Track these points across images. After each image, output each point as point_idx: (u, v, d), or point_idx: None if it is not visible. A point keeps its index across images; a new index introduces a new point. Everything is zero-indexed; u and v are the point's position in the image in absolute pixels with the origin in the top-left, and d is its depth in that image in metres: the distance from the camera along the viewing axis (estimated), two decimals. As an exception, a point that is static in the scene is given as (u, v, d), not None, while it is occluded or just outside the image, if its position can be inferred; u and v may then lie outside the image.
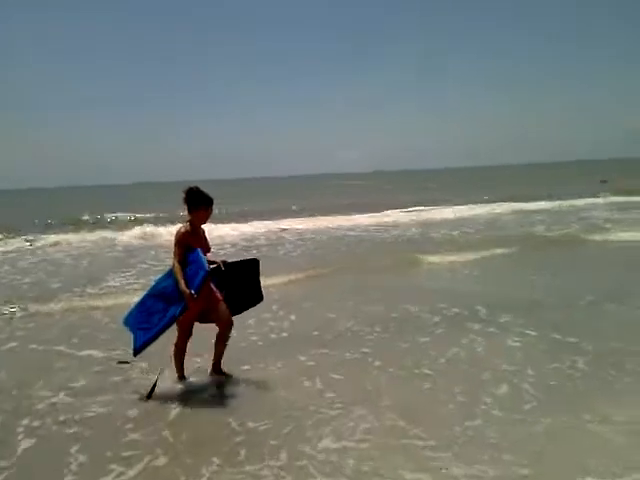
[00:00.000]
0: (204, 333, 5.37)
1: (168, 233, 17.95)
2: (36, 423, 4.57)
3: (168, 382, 5.27)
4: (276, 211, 25.93)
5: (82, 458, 3.97)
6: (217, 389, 5.20)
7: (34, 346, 6.70)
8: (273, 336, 6.82)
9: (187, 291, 4.77)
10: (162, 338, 4.99)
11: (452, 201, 26.75)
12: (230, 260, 5.48)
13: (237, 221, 20.05)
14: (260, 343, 6.51)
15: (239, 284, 5.48)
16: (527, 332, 6.51)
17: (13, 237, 18.07)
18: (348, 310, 7.88)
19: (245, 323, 6.77)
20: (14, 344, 6.82)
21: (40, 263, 13.30)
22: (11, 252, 15.15)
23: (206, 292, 5.05)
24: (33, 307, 8.52)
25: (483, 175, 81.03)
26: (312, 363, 5.86)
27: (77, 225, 22.84)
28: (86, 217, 26.29)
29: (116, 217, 26.84)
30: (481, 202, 25.99)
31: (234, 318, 5.30)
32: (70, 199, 60.77)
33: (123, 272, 11.33)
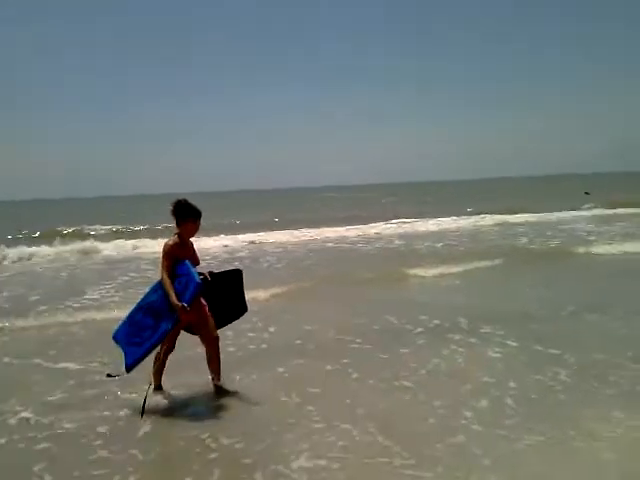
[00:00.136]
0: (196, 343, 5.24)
1: (144, 245, 17.78)
2: (3, 439, 4.36)
3: (141, 396, 5.01)
4: (260, 223, 25.53)
5: (48, 477, 3.78)
6: (192, 403, 5.01)
7: (7, 360, 6.49)
8: (252, 347, 6.66)
9: (179, 304, 4.64)
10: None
11: (436, 213, 26.55)
12: (215, 271, 5.34)
13: (221, 233, 19.65)
14: (238, 354, 6.33)
15: (224, 296, 5.31)
16: (508, 343, 6.40)
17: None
18: (329, 322, 7.73)
19: (223, 334, 6.35)
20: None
21: (16, 276, 13.01)
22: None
23: (197, 305, 4.91)
24: (8, 320, 8.24)
25: (471, 188, 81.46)
26: (290, 375, 5.72)
27: (55, 237, 22.44)
28: (66, 229, 25.69)
29: (96, 229, 26.20)
30: (465, 214, 25.92)
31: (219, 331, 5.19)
32: (48, 211, 59.51)
33: (103, 285, 11.05)
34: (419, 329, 7.18)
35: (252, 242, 18.40)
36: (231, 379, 5.43)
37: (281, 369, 5.87)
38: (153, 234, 22.07)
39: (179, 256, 4.86)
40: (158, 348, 5.03)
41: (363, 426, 4.37)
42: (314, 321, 7.79)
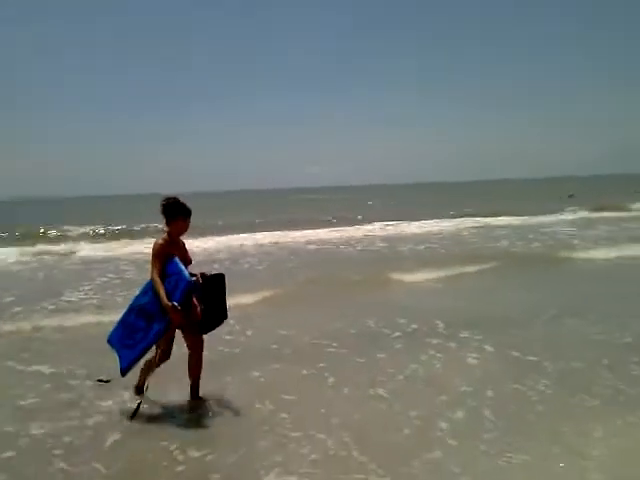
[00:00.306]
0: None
1: (123, 245, 17.73)
2: (-38, 450, 4.12)
3: (115, 402, 4.93)
4: (241, 224, 25.41)
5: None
6: (164, 410, 4.80)
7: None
8: (226, 350, 6.47)
9: (169, 304, 4.44)
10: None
11: (420, 216, 26.04)
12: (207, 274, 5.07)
13: (202, 235, 18.93)
14: (213, 358, 5.95)
15: (210, 300, 5.06)
16: (486, 349, 6.28)
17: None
18: (306, 325, 7.58)
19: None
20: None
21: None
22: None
23: (189, 304, 4.71)
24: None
25: (463, 190, 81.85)
26: (265, 380, 5.55)
27: (34, 237, 22.03)
28: (46, 229, 25.03)
29: (75, 230, 25.56)
30: (448, 217, 25.72)
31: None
32: (32, 210, 58.59)
33: (81, 286, 10.73)
34: (397, 333, 7.04)
35: (231, 243, 18.11)
36: (205, 384, 5.18)
37: (256, 374, 5.70)
38: (132, 235, 21.89)
39: (168, 254, 4.69)
40: (153, 352, 4.84)
41: (338, 437, 4.19)
42: (291, 325, 7.62)
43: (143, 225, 24.92)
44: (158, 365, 4.88)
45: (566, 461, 3.78)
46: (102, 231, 24.59)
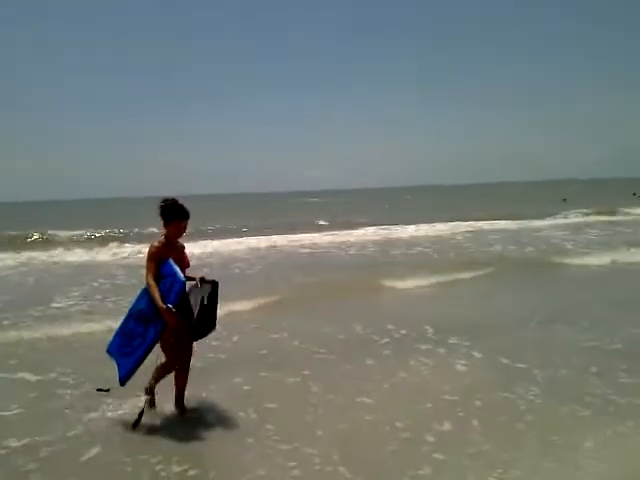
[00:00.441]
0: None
1: (113, 250, 17.41)
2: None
3: (101, 413, 4.80)
4: (234, 229, 25.27)
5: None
6: (145, 423, 4.57)
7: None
8: (211, 356, 6.31)
9: (163, 306, 4.30)
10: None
11: (416, 220, 25.73)
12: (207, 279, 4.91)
13: (192, 239, 18.77)
14: (196, 364, 5.84)
15: (205, 307, 4.89)
16: (475, 355, 6.17)
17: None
18: (295, 331, 7.42)
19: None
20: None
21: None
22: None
23: (185, 306, 4.60)
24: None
25: (462, 193, 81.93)
26: (251, 387, 5.42)
27: (23, 241, 21.76)
28: (36, 234, 24.53)
29: (65, 234, 25.10)
30: (444, 221, 25.22)
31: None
32: (22, 214, 57.64)
33: (70, 292, 10.44)
34: (385, 339, 6.92)
35: (235, 247, 17.84)
36: (189, 392, 5.01)
37: (241, 381, 5.58)
38: (126, 239, 21.68)
39: (164, 257, 4.55)
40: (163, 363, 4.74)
41: (323, 450, 4.04)
42: (280, 330, 7.48)
43: (136, 229, 24.72)
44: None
45: (559, 475, 3.67)
46: (94, 235, 24.27)
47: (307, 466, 3.86)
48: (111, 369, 4.70)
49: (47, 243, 21.11)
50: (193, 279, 4.77)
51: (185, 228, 4.78)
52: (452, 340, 6.79)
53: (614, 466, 3.78)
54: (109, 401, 5.00)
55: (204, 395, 5.19)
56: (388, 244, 18.49)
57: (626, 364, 5.74)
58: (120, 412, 4.83)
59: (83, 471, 3.91)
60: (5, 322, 8.31)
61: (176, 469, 3.88)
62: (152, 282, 4.47)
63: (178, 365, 4.78)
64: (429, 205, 46.73)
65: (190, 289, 4.81)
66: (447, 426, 4.44)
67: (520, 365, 5.84)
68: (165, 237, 4.71)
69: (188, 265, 4.88)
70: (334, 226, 24.97)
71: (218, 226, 26.76)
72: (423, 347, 6.56)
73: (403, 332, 7.23)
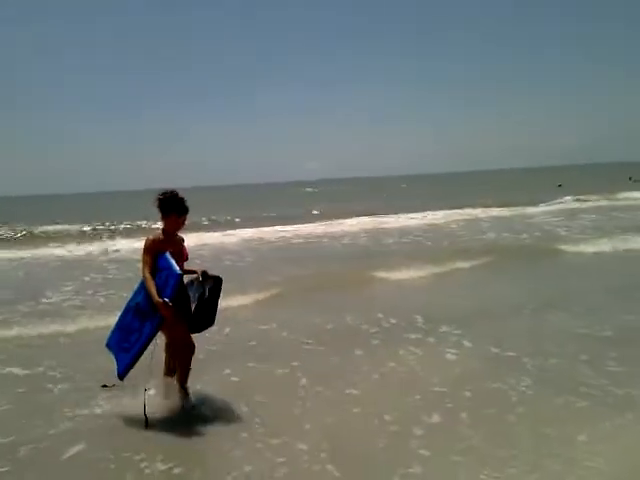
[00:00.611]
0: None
1: (106, 244, 17.35)
2: None
3: (90, 408, 4.69)
4: (226, 219, 25.23)
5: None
6: (129, 419, 4.47)
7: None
8: (201, 348, 6.17)
9: (160, 300, 4.21)
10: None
11: (410, 208, 25.69)
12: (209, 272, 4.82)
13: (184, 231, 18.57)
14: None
15: (205, 301, 4.79)
16: (465, 345, 6.08)
17: None
18: (286, 322, 7.34)
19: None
20: None
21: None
22: None
23: (182, 300, 4.49)
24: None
25: (457, 181, 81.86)
26: (239, 379, 5.34)
27: (12, 238, 21.55)
28: (28, 228, 24.03)
29: (58, 227, 24.70)
30: (437, 209, 25.05)
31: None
32: (17, 209, 57.02)
33: (63, 286, 10.31)
34: (375, 329, 6.85)
35: (227, 240, 17.68)
36: (175, 385, 4.88)
37: (231, 372, 5.52)
38: (119, 233, 21.55)
39: (160, 251, 4.46)
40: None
41: (311, 448, 3.92)
42: (271, 321, 7.42)
43: (129, 223, 24.63)
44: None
45: (556, 473, 3.51)
46: (87, 229, 24.07)
47: (295, 464, 3.75)
48: (105, 363, 4.69)
49: (37, 238, 20.94)
50: (194, 272, 4.71)
51: (184, 222, 4.70)
52: (442, 329, 6.70)
53: (612, 462, 3.61)
54: (98, 397, 4.89)
55: (193, 388, 5.03)
56: (381, 233, 18.33)
57: (615, 352, 5.64)
58: (109, 408, 4.74)
59: (64, 469, 3.81)
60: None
61: (161, 467, 3.76)
62: (148, 275, 4.39)
63: (178, 358, 4.73)
64: (424, 194, 46.41)
65: (191, 282, 4.75)
66: (436, 418, 4.34)
67: (510, 353, 5.75)
68: (162, 230, 4.63)
69: (187, 258, 4.80)
70: (328, 216, 24.79)
71: (214, 217, 26.66)
72: (412, 336, 6.47)
73: (393, 321, 7.15)
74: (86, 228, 24.12)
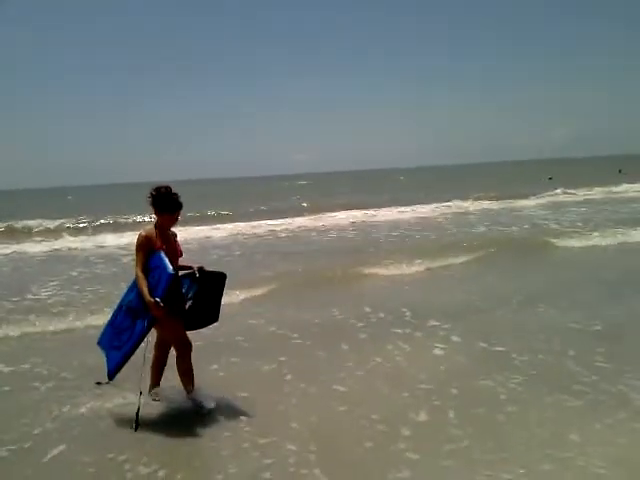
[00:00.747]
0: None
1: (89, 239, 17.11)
2: None
3: (75, 407, 4.63)
4: (214, 213, 25.05)
5: None
6: (113, 418, 4.41)
7: None
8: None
9: (151, 300, 4.09)
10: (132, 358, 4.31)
11: (401, 202, 25.60)
12: (205, 268, 4.72)
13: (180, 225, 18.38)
14: (172, 352, 5.83)
15: (205, 297, 4.73)
16: (453, 339, 6.03)
17: None
18: (273, 317, 7.31)
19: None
20: None
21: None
22: None
23: (175, 298, 4.39)
24: None
25: (449, 174, 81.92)
26: (224, 375, 5.29)
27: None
28: (15, 223, 23.29)
29: (49, 223, 24.53)
30: (430, 202, 25.08)
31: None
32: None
33: (50, 282, 10.22)
34: (361, 323, 6.80)
35: (214, 234, 17.55)
36: (165, 382, 4.85)
37: (216, 367, 5.48)
38: (108, 228, 21.34)
39: (153, 247, 4.34)
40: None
41: (295, 448, 3.84)
42: (259, 317, 7.37)
43: (113, 216, 24.36)
44: (157, 364, 4.77)
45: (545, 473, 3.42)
46: (74, 225, 23.79)
47: (282, 466, 3.66)
48: (92, 360, 4.70)
49: (23, 233, 20.71)
50: (189, 268, 4.61)
51: (177, 218, 4.58)
52: (431, 323, 6.66)
53: (610, 464, 3.51)
54: (86, 396, 4.82)
55: (175, 383, 4.87)
56: (371, 227, 18.26)
57: (603, 347, 5.62)
58: (96, 408, 4.66)
59: (43, 471, 3.72)
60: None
61: (144, 470, 3.67)
62: (140, 274, 4.27)
63: (177, 360, 4.64)
64: (420, 186, 46.42)
65: (187, 278, 4.66)
66: (424, 417, 4.26)
67: (499, 348, 5.71)
68: (155, 226, 4.50)
69: (181, 254, 4.68)
70: (317, 209, 24.64)
71: (202, 211, 26.46)
72: (400, 331, 6.42)
73: (381, 316, 7.11)
74: (69, 225, 23.76)
